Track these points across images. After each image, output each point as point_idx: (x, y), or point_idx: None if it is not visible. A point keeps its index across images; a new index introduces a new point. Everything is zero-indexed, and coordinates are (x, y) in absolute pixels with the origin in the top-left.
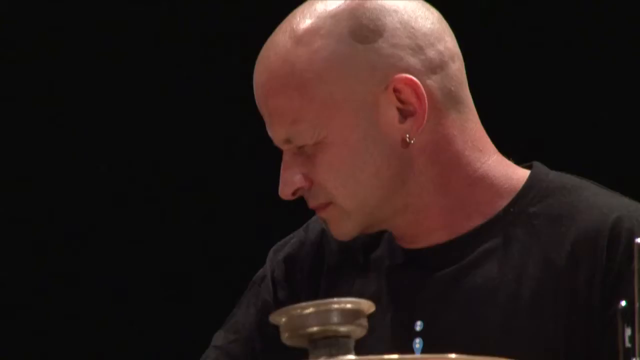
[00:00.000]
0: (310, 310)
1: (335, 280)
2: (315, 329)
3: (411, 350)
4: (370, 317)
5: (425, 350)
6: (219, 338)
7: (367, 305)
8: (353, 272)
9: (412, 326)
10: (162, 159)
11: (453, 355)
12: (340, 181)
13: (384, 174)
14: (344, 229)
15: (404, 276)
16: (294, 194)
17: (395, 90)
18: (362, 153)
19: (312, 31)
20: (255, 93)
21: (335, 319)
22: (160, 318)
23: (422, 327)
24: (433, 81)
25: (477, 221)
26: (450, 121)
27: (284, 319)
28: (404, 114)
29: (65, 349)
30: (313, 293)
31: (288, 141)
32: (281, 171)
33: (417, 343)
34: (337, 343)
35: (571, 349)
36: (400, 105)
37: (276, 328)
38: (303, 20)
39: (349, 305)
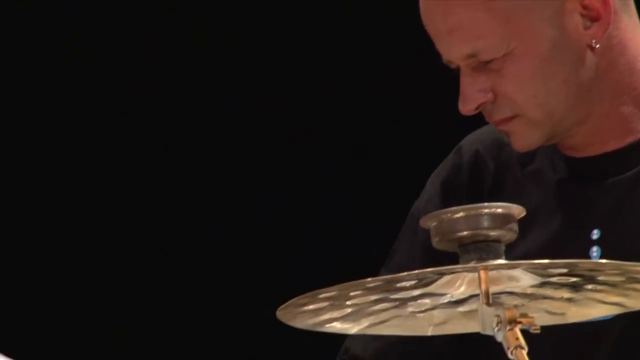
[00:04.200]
0: (461, 214)
1: (493, 197)
2: (465, 233)
3: (588, 258)
4: (538, 228)
5: (603, 258)
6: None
7: (517, 210)
8: (512, 188)
9: (588, 235)
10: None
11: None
12: (530, 92)
13: (572, 82)
14: (528, 141)
15: (573, 185)
16: (476, 109)
17: None
18: (551, 62)
19: None
20: (426, 14)
21: (485, 223)
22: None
23: (599, 235)
24: None
25: None
26: (624, 25)
27: (434, 223)
28: (588, 20)
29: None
30: None
31: (471, 56)
32: (461, 88)
33: (594, 251)
34: (487, 247)
35: None
36: (584, 11)
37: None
38: None
39: (499, 210)
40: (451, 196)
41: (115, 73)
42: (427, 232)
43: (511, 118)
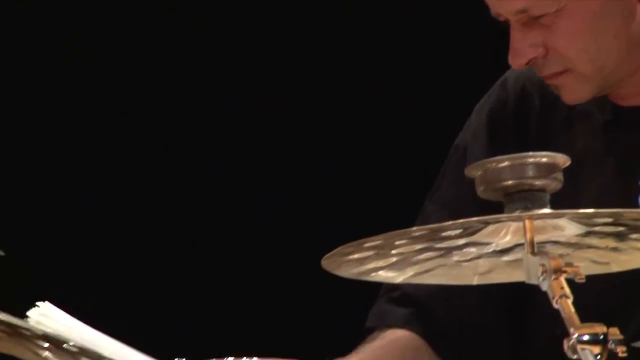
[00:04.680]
0: (506, 163)
1: (540, 136)
2: (510, 182)
3: (635, 206)
4: (580, 171)
5: None
6: (427, 209)
7: (562, 159)
8: (558, 127)
9: (635, 182)
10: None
11: None
12: (581, 47)
13: (622, 37)
14: (578, 94)
15: (620, 132)
16: (527, 63)
17: None
18: (602, 17)
19: None
20: None
21: (530, 172)
22: None
23: None
24: None
25: None
26: None
27: (479, 172)
28: None
29: None
30: (517, 150)
31: (522, 12)
32: (511, 43)
33: None
34: (532, 197)
35: None
36: None
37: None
38: None
39: (544, 159)
40: (497, 129)
41: (116, 73)
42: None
43: (561, 72)
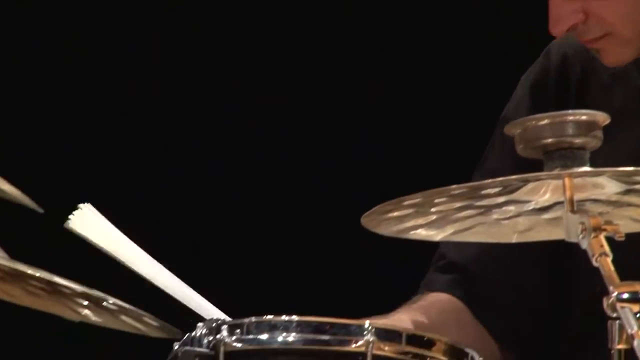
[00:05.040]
0: (545, 121)
1: (580, 100)
2: (549, 140)
3: None
4: (617, 131)
5: None
6: (475, 180)
7: (602, 117)
8: (597, 91)
9: None
10: None
11: None
12: (623, 11)
13: None
14: (618, 57)
15: None
16: (567, 30)
17: None
18: None
19: None
20: None
21: (569, 130)
22: None
23: None
24: None
25: None
26: None
27: (518, 130)
28: None
29: None
30: None
31: None
32: (551, 10)
33: None
34: (571, 155)
35: None
36: None
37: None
38: None
39: (583, 117)
40: (539, 98)
41: (115, 73)
42: None
43: (602, 37)
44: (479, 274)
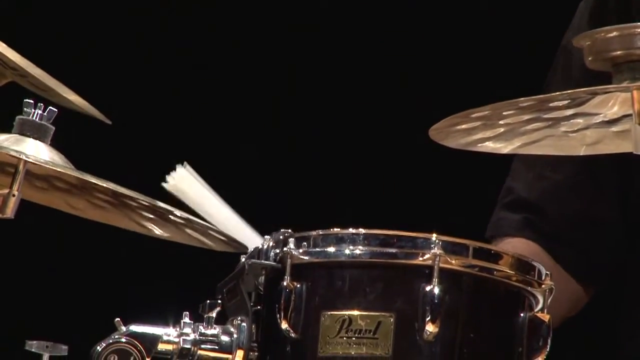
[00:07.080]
0: (614, 33)
1: None
2: (618, 52)
3: None
4: None
5: None
6: None
7: None
8: None
9: None
10: None
11: None
12: None
13: None
14: None
15: None
16: None
17: None
18: None
19: None
20: None
21: (639, 42)
22: None
23: None
24: None
25: None
26: None
27: (587, 42)
28: None
29: None
30: None
31: None
32: None
33: None
34: None
35: None
36: None
37: None
38: None
39: None
40: (599, 22)
41: (116, 73)
42: (579, 62)
43: None
44: (549, 210)
